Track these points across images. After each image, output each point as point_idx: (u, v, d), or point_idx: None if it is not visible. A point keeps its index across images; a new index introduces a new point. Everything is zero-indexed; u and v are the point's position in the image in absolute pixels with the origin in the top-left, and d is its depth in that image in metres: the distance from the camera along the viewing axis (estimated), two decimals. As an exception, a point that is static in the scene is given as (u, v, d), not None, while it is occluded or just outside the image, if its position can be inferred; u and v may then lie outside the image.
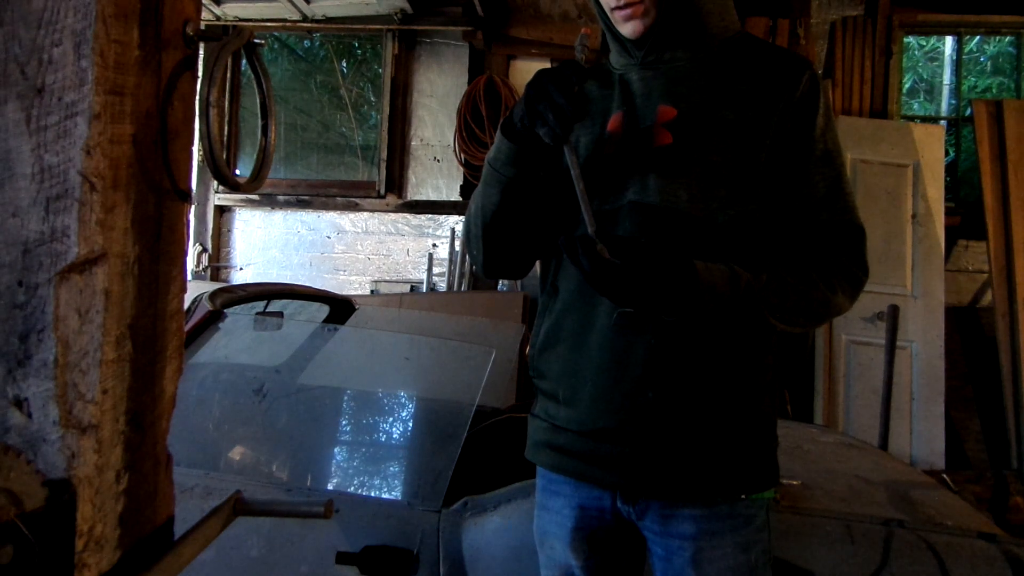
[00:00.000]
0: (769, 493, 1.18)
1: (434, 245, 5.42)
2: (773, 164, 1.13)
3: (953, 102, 5.38)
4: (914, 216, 4.59)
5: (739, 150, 1.12)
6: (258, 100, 0.92)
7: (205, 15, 5.21)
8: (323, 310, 2.69)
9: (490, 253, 1.28)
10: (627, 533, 1.20)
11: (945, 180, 4.69)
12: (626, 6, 1.13)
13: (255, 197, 5.51)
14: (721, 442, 1.13)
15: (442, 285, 5.31)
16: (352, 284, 5.50)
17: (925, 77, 6.62)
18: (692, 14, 1.15)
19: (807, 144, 1.14)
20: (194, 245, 5.54)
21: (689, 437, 1.12)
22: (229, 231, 5.72)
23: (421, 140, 5.47)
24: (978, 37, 5.86)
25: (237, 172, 5.64)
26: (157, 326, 0.79)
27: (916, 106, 6.47)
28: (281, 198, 5.57)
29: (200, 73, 0.83)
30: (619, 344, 1.12)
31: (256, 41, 0.88)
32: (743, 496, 1.14)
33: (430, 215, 5.43)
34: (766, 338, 1.16)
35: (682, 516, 1.13)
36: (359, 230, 5.55)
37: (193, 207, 5.30)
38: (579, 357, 1.16)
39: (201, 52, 0.85)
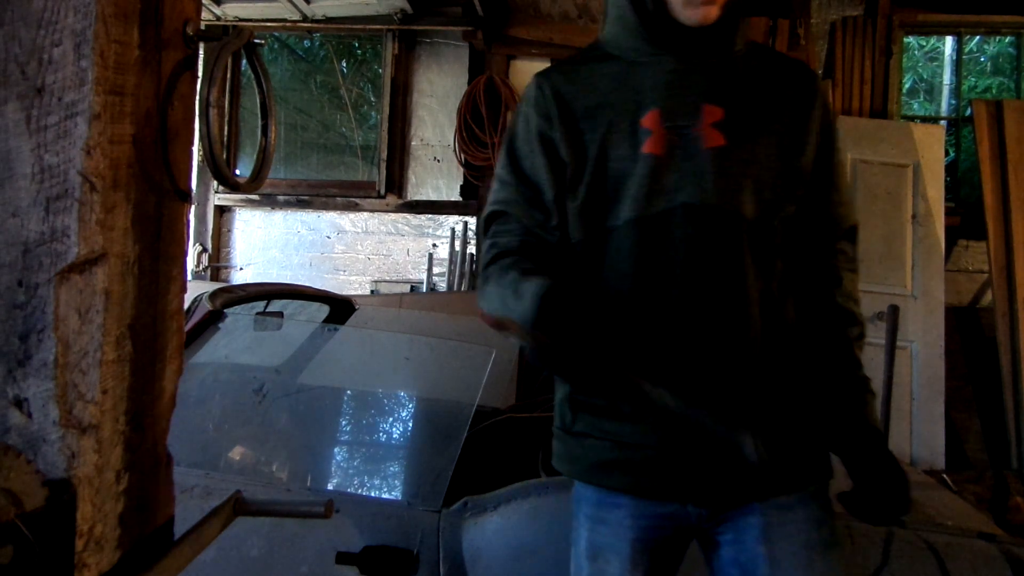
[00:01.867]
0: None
1: (434, 245, 5.42)
2: (810, 168, 1.16)
3: (953, 102, 5.38)
4: (914, 216, 4.58)
5: (785, 154, 1.13)
6: (258, 100, 0.92)
7: (205, 15, 5.21)
8: (323, 310, 2.69)
9: None
10: (685, 538, 1.18)
11: (945, 180, 4.69)
12: None
13: (255, 197, 5.51)
14: (800, 438, 1.14)
15: (442, 285, 5.31)
16: (352, 284, 5.50)
17: (925, 77, 6.62)
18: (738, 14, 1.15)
19: (832, 149, 1.19)
20: (194, 245, 5.54)
21: (780, 438, 1.11)
22: (229, 231, 5.72)
23: (421, 140, 5.47)
24: (978, 37, 5.86)
25: (237, 172, 5.64)
26: (157, 326, 0.79)
27: (916, 106, 6.47)
28: (281, 198, 5.57)
29: (200, 73, 0.83)
30: None
31: (256, 41, 0.88)
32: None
33: (430, 215, 5.43)
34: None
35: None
36: (359, 230, 5.55)
37: (193, 207, 5.30)
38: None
39: (201, 52, 0.85)
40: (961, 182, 5.32)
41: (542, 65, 5.29)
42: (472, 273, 5.22)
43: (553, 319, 0.98)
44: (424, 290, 5.28)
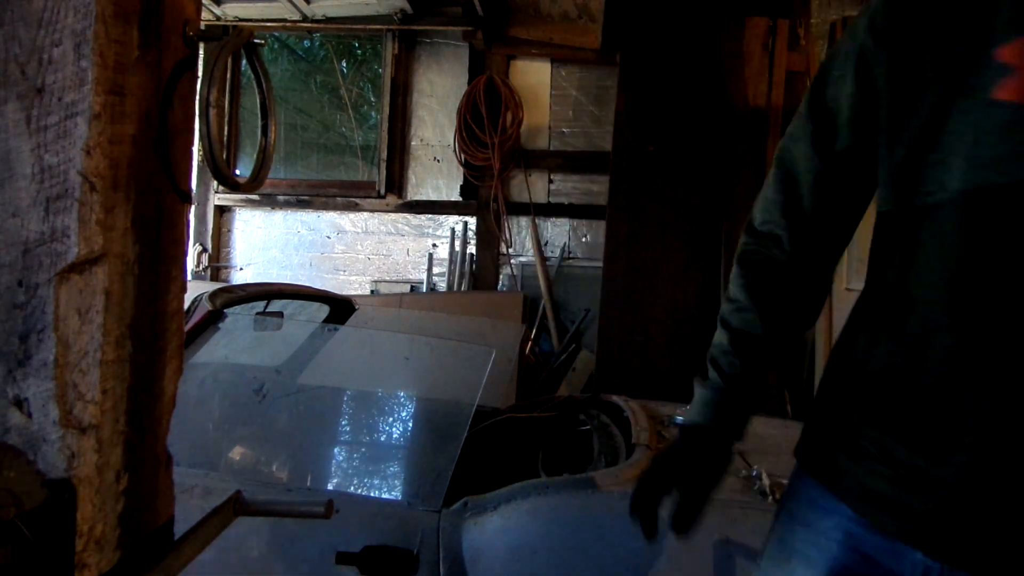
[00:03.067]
0: None
1: (434, 245, 5.42)
2: None
3: (953, 102, 5.38)
4: (914, 216, 4.59)
5: None
6: (258, 100, 0.92)
7: (205, 15, 5.21)
8: (323, 310, 2.69)
9: None
10: None
11: (945, 180, 4.69)
12: None
13: (255, 197, 5.51)
14: None
15: (442, 285, 5.31)
16: (352, 284, 5.50)
17: (925, 77, 6.63)
18: None
19: None
20: (194, 245, 5.54)
21: None
22: (229, 231, 5.72)
23: (421, 140, 5.47)
24: (978, 37, 5.87)
25: (237, 172, 5.64)
26: (157, 326, 0.79)
27: (916, 106, 6.47)
28: (281, 198, 5.57)
29: (200, 73, 0.83)
30: None
31: (256, 41, 0.88)
32: None
33: (430, 215, 5.43)
34: None
35: None
36: (359, 230, 5.55)
37: (193, 207, 5.30)
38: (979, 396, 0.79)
39: (201, 52, 0.85)
40: (961, 182, 5.33)
41: (542, 65, 5.34)
42: (472, 273, 5.22)
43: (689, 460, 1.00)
44: (424, 290, 5.28)
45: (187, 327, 2.02)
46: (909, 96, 0.83)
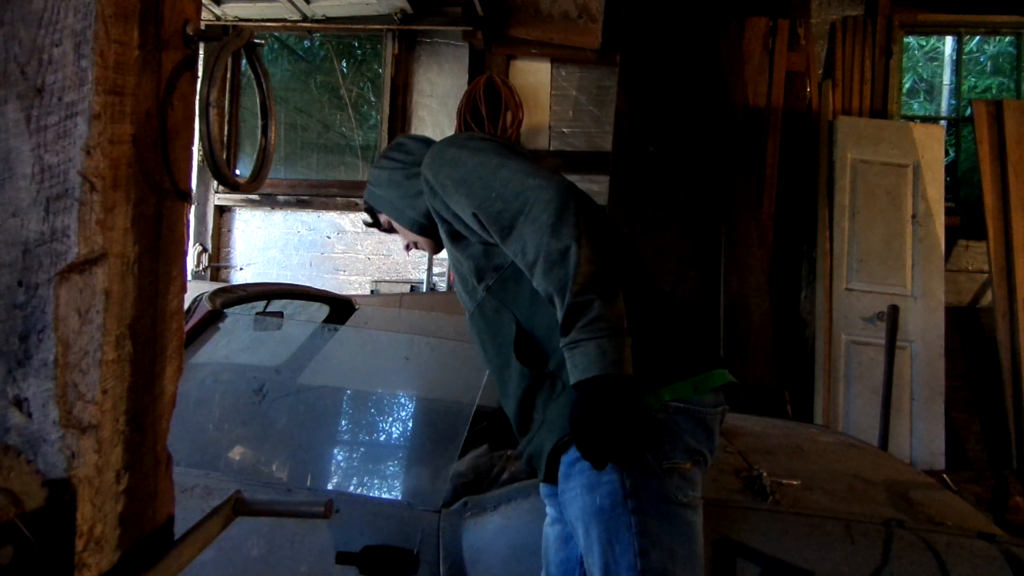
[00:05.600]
0: None
1: (434, 245, 5.42)
2: None
3: (953, 102, 5.38)
4: (914, 216, 4.58)
5: None
6: (258, 100, 0.92)
7: (205, 15, 5.21)
8: (323, 310, 2.69)
9: None
10: None
11: (945, 180, 4.69)
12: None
13: (255, 197, 5.51)
14: None
15: (442, 285, 5.31)
16: (352, 284, 5.50)
17: (925, 77, 6.62)
18: None
19: None
20: (194, 245, 5.54)
21: None
22: (229, 231, 5.72)
23: (421, 140, 5.47)
24: (978, 37, 5.86)
25: (237, 172, 5.64)
26: (157, 326, 0.79)
27: (916, 106, 6.47)
28: (281, 198, 5.57)
29: (200, 73, 0.83)
30: None
31: (256, 41, 0.88)
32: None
33: (430, 215, 5.43)
34: None
35: None
36: (359, 230, 5.55)
37: (193, 207, 5.30)
38: None
39: (201, 52, 0.85)
40: (961, 182, 5.33)
41: (542, 65, 5.33)
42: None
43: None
44: (424, 290, 5.28)
45: (187, 327, 2.02)
46: None
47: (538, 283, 1.22)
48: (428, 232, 1.54)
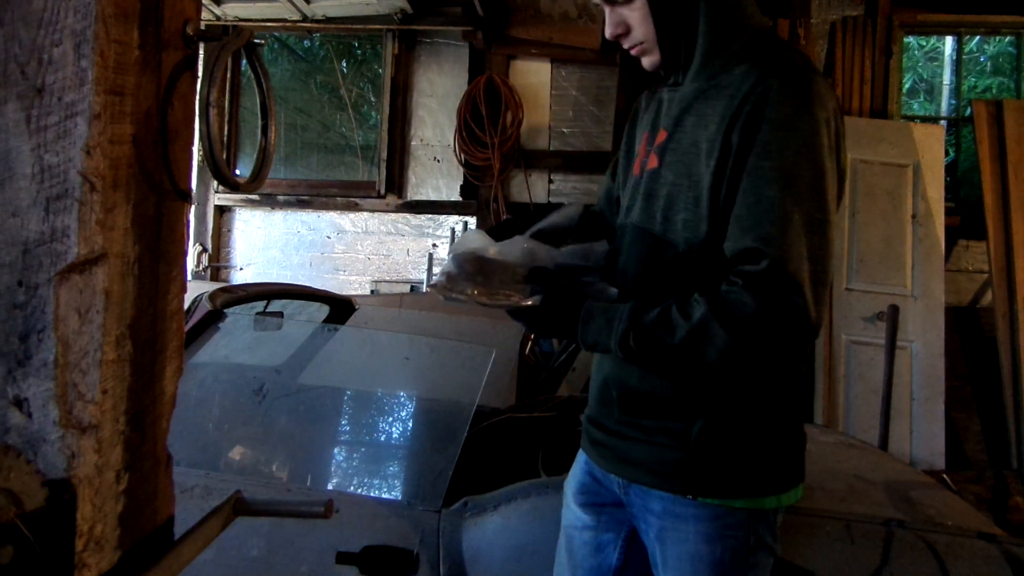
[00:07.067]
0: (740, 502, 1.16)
1: (434, 245, 5.42)
2: (725, 185, 1.11)
3: (953, 102, 5.38)
4: (914, 216, 4.59)
5: (692, 172, 1.15)
6: (258, 100, 0.92)
7: (205, 15, 5.21)
8: (323, 310, 2.69)
9: None
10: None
11: (945, 180, 4.69)
12: (630, 48, 1.27)
13: (255, 197, 5.51)
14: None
15: (442, 285, 5.30)
16: (352, 284, 5.50)
17: (925, 77, 6.63)
18: (691, 40, 1.20)
19: (743, 160, 1.09)
20: (194, 245, 5.54)
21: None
22: (229, 231, 5.72)
23: (421, 140, 5.47)
24: (978, 37, 5.87)
25: (237, 172, 5.64)
26: (157, 326, 0.79)
27: (916, 106, 6.47)
28: (281, 198, 5.57)
29: (200, 73, 0.83)
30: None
31: (256, 41, 0.88)
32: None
33: (430, 215, 5.43)
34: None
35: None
36: (359, 230, 5.55)
37: (193, 207, 5.30)
38: None
39: (201, 52, 0.85)
40: (961, 182, 5.33)
41: (542, 65, 5.34)
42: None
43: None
44: (424, 290, 5.28)
45: (187, 327, 2.02)
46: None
47: (688, 317, 1.08)
48: (669, 41, 1.21)
